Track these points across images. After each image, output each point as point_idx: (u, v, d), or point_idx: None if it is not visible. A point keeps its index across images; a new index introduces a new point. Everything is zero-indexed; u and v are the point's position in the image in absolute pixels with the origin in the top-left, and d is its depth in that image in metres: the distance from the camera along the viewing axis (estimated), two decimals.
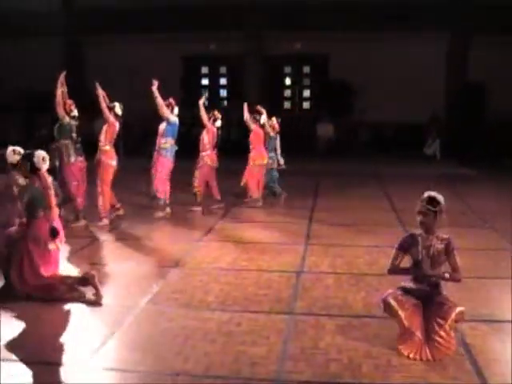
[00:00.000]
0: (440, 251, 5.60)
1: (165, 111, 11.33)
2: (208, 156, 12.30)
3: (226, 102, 27.66)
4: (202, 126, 12.44)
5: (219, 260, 8.71)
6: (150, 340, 5.80)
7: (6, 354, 5.43)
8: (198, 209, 12.29)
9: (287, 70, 27.99)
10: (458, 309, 5.50)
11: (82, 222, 10.72)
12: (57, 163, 10.48)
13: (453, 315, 5.46)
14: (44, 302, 6.72)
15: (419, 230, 5.73)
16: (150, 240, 10.08)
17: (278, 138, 13.81)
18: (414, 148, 22.65)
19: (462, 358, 5.41)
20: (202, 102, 12.44)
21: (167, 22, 24.59)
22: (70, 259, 8.42)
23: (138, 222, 11.19)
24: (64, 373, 5.14)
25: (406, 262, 5.85)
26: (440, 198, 5.64)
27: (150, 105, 11.40)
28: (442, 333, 5.42)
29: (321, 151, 24.31)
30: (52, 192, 6.88)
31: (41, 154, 6.97)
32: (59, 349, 5.66)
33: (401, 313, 5.57)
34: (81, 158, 10.67)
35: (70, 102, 10.63)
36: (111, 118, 10.79)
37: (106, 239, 10.12)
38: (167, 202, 11.73)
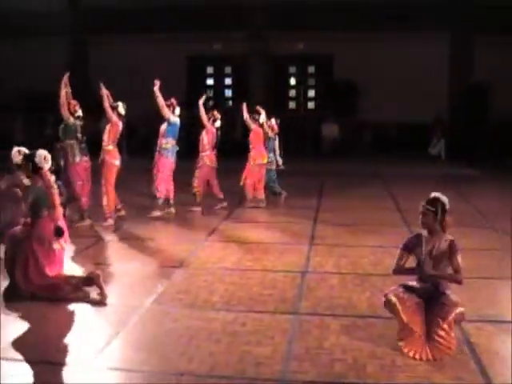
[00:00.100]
0: (443, 252, 5.59)
1: (166, 111, 11.32)
2: (207, 156, 12.30)
3: (230, 102, 27.65)
4: (202, 127, 12.43)
5: (224, 260, 8.71)
6: (154, 340, 5.81)
7: (10, 353, 5.44)
8: (198, 209, 12.29)
9: (292, 70, 27.96)
10: (458, 309, 5.49)
11: (87, 222, 10.73)
12: (61, 163, 10.49)
13: (452, 315, 5.45)
14: (49, 301, 6.72)
15: (424, 231, 5.73)
16: (154, 240, 10.08)
17: (277, 139, 13.78)
18: (418, 148, 22.63)
19: (466, 358, 5.41)
20: (201, 102, 12.39)
21: (171, 22, 24.60)
22: (74, 259, 8.46)
23: (142, 222, 11.20)
24: (68, 373, 5.15)
25: (412, 262, 5.85)
26: (444, 199, 5.63)
27: (153, 105, 11.40)
28: (442, 332, 5.42)
29: (326, 151, 24.30)
30: (55, 191, 6.88)
31: (42, 153, 6.98)
32: (64, 349, 5.66)
33: (400, 309, 5.57)
34: (86, 158, 10.68)
35: (74, 102, 10.63)
36: (114, 117, 10.79)
37: (110, 239, 10.13)
38: (171, 201, 11.74)
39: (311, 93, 28.03)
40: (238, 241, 9.97)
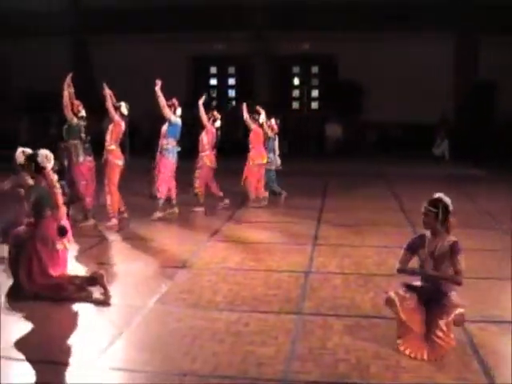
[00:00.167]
0: (445, 253, 5.58)
1: (167, 111, 11.30)
2: (207, 156, 12.30)
3: (234, 103, 27.67)
4: (202, 127, 12.42)
5: (227, 260, 8.70)
6: (158, 340, 5.81)
7: (14, 353, 5.45)
8: (201, 209, 12.30)
9: (295, 70, 28.01)
10: (458, 310, 5.47)
11: (91, 222, 10.74)
12: (65, 163, 10.51)
13: (451, 316, 5.44)
14: (52, 301, 6.73)
15: (428, 232, 5.73)
16: (157, 240, 10.07)
17: (277, 139, 13.77)
18: (422, 148, 22.59)
19: (469, 359, 5.40)
20: (201, 102, 12.36)
21: (173, 22, 24.64)
22: (78, 259, 8.48)
23: (145, 222, 11.19)
24: (72, 373, 5.15)
25: (416, 262, 5.85)
26: (446, 199, 5.62)
27: (155, 105, 11.39)
28: (440, 333, 5.42)
29: (329, 151, 24.29)
30: (58, 191, 6.89)
31: (44, 152, 6.99)
32: (67, 349, 5.67)
33: (399, 307, 5.59)
34: (89, 158, 10.68)
35: (77, 102, 10.64)
36: (117, 117, 10.79)
37: (114, 239, 10.13)
38: (174, 202, 11.75)
39: (315, 93, 28.09)
40: (241, 241, 9.96)
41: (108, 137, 10.82)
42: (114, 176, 10.81)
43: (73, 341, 5.86)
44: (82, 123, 10.60)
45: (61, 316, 6.57)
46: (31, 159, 7.04)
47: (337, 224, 11.24)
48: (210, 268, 8.30)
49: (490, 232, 10.70)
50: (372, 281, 7.71)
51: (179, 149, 11.55)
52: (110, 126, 10.86)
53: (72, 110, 10.50)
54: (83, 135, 10.56)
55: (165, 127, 11.49)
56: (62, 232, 6.89)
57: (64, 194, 7.14)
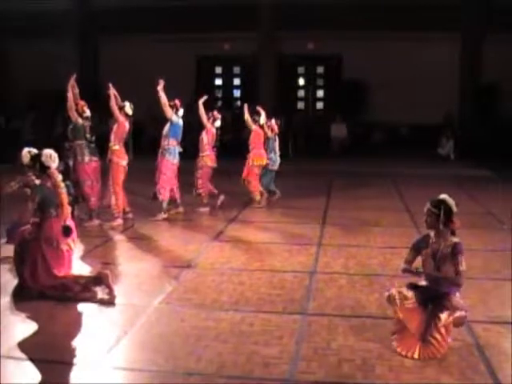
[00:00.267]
0: (447, 254, 5.55)
1: (168, 111, 11.27)
2: (207, 156, 12.28)
3: (239, 102, 27.67)
4: (202, 127, 12.41)
5: (232, 260, 8.70)
6: (162, 340, 5.81)
7: (19, 352, 5.46)
8: (205, 209, 12.30)
9: (301, 70, 27.95)
10: (458, 313, 5.45)
11: (96, 222, 10.74)
12: (70, 163, 10.52)
13: (450, 319, 5.43)
14: (57, 301, 6.73)
15: (432, 232, 5.72)
16: (162, 240, 10.08)
17: (277, 140, 13.73)
18: (427, 148, 22.55)
19: (475, 360, 5.39)
20: (201, 101, 12.32)
21: (180, 23, 24.66)
22: (83, 258, 8.48)
23: (150, 222, 11.19)
24: (77, 372, 5.15)
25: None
26: (449, 200, 5.61)
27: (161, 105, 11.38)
28: (437, 335, 5.42)
29: (335, 151, 24.28)
30: (63, 190, 6.89)
31: (48, 152, 7.00)
32: (72, 348, 5.67)
33: (398, 304, 5.61)
34: (95, 158, 10.67)
35: (82, 103, 10.63)
36: (121, 117, 10.80)
37: (119, 239, 10.14)
38: (178, 201, 11.76)
39: (320, 93, 28.03)
40: (245, 241, 9.96)
41: (112, 137, 10.83)
42: (118, 176, 10.81)
43: (77, 340, 5.86)
44: (87, 123, 10.60)
45: (65, 316, 6.57)
46: (36, 159, 7.05)
47: (342, 224, 11.23)
48: (215, 268, 8.30)
49: (494, 232, 10.67)
50: (377, 281, 7.70)
51: (181, 149, 11.53)
52: (114, 127, 10.87)
53: (77, 110, 10.50)
54: (88, 135, 10.56)
55: (166, 127, 11.47)
56: (67, 232, 6.89)
57: (69, 194, 7.14)
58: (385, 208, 13.02)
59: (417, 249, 5.78)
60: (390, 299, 5.70)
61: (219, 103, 27.19)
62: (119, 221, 10.85)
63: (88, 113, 10.63)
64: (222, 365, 5.26)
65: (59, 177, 6.95)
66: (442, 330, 5.42)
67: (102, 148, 10.93)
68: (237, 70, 28.30)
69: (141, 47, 25.04)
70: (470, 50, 24.50)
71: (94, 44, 27.01)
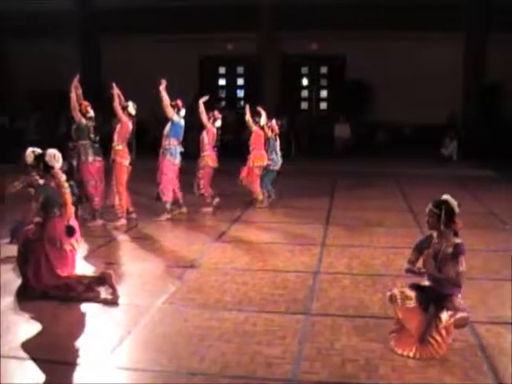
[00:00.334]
0: (448, 254, 5.53)
1: (169, 110, 11.26)
2: (209, 156, 12.27)
3: (242, 103, 27.66)
4: (202, 127, 12.40)
5: (235, 260, 8.71)
6: (166, 340, 5.81)
7: (22, 352, 5.47)
8: (209, 209, 12.29)
9: (304, 70, 27.93)
10: (459, 314, 5.43)
11: (99, 222, 10.76)
12: (74, 163, 10.53)
13: (451, 320, 5.41)
14: (60, 301, 6.74)
15: (434, 232, 5.71)
16: (165, 240, 10.08)
17: (278, 140, 13.70)
18: (431, 148, 22.51)
19: (478, 360, 5.38)
20: (202, 101, 12.28)
21: (184, 23, 24.66)
22: (86, 258, 8.49)
23: (153, 222, 11.20)
24: (80, 372, 5.16)
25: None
26: (451, 201, 5.59)
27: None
28: (437, 336, 5.41)
29: (338, 152, 24.27)
30: (67, 190, 6.89)
31: (52, 152, 7.01)
32: (75, 348, 5.68)
33: (400, 304, 5.62)
34: (99, 158, 10.68)
35: (85, 103, 10.64)
36: (124, 117, 10.81)
37: (122, 239, 10.15)
38: (181, 201, 11.77)
39: (324, 93, 28.03)
40: (249, 241, 9.96)
41: (115, 137, 10.83)
42: (122, 176, 10.82)
43: (81, 340, 5.87)
44: (91, 123, 10.61)
45: (69, 316, 6.58)
46: (40, 159, 7.07)
47: (345, 224, 11.22)
48: (218, 268, 8.31)
49: (496, 232, 10.65)
50: (380, 281, 7.70)
51: (182, 149, 11.52)
52: (118, 127, 10.87)
53: (80, 110, 10.52)
54: (92, 135, 10.57)
55: (167, 127, 11.46)
56: (70, 232, 6.90)
57: (73, 194, 7.15)
58: (388, 208, 13.02)
59: (419, 249, 5.78)
60: (392, 299, 5.70)
61: (223, 103, 27.20)
62: (123, 221, 10.86)
63: (91, 113, 10.63)
64: (226, 365, 5.26)
65: (63, 177, 6.96)
66: (443, 332, 5.42)
67: (105, 148, 10.94)
68: (240, 70, 28.29)
69: (143, 47, 25.06)
70: (473, 50, 24.47)
71: (96, 44, 27.02)
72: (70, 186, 7.09)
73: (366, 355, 5.45)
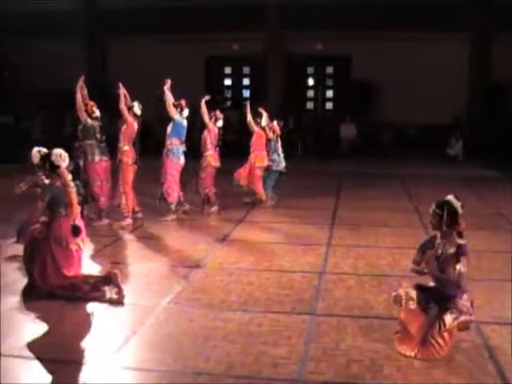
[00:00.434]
0: (450, 255, 5.52)
1: (171, 109, 11.26)
2: (211, 156, 12.24)
3: (248, 102, 27.60)
4: (204, 126, 12.40)
5: (240, 260, 8.71)
6: (171, 340, 5.82)
7: (28, 352, 5.48)
8: (214, 209, 12.30)
9: (310, 70, 27.91)
10: (463, 317, 5.42)
11: (105, 222, 10.78)
12: (81, 163, 10.54)
13: (455, 323, 5.40)
14: (66, 301, 6.76)
15: (438, 233, 5.70)
16: (171, 240, 10.09)
17: (280, 141, 13.66)
18: (436, 148, 22.48)
19: (483, 361, 5.38)
20: (203, 100, 12.24)
21: (190, 23, 24.66)
22: (92, 258, 8.51)
23: (158, 222, 11.21)
24: (86, 372, 5.17)
25: None
26: (454, 202, 5.56)
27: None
28: (439, 339, 5.40)
29: (344, 152, 24.26)
30: (73, 190, 6.90)
31: (58, 151, 7.02)
32: (81, 348, 5.70)
33: (403, 305, 5.62)
34: (105, 158, 10.69)
35: (91, 103, 10.65)
36: (129, 118, 10.82)
37: (128, 239, 10.16)
38: (182, 199, 11.79)
39: (329, 93, 28.00)
40: (254, 241, 9.96)
41: (121, 137, 10.85)
42: (128, 176, 10.84)
43: (86, 340, 5.89)
44: (97, 123, 10.62)
45: (75, 315, 6.59)
46: (46, 159, 7.08)
47: (351, 224, 11.21)
48: (224, 268, 8.31)
49: (502, 233, 10.62)
50: (386, 282, 7.70)
51: (184, 149, 11.52)
52: (123, 127, 10.89)
53: (86, 111, 10.53)
54: (99, 135, 10.58)
55: (169, 127, 11.47)
56: (76, 232, 6.91)
57: (79, 193, 7.16)
58: (394, 208, 13.01)
59: (424, 249, 5.77)
60: (397, 299, 5.70)
61: (228, 103, 27.20)
62: (128, 220, 10.88)
63: (97, 113, 10.64)
64: (231, 365, 5.27)
65: (69, 176, 6.97)
66: (445, 335, 5.40)
67: (111, 148, 10.96)
68: (246, 70, 28.27)
69: (149, 47, 25.08)
70: (478, 49, 24.41)
71: (101, 44, 27.04)
72: (76, 185, 7.10)
73: (371, 355, 5.46)
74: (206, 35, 24.69)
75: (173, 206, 11.46)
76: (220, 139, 12.44)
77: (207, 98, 12.25)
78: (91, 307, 6.72)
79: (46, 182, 7.36)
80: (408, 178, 17.32)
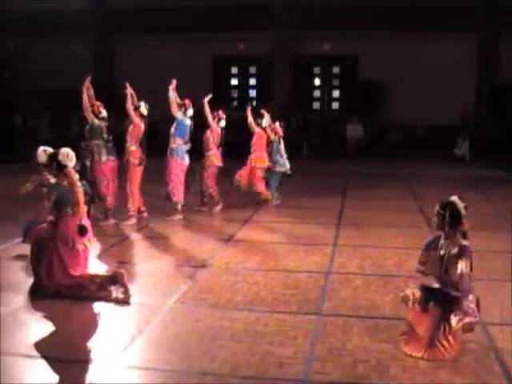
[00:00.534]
0: (453, 256, 5.50)
1: (173, 108, 11.26)
2: (214, 155, 12.25)
3: (255, 102, 27.63)
4: (207, 126, 12.40)
5: (246, 260, 8.71)
6: (177, 339, 5.82)
7: (35, 351, 5.49)
8: (218, 207, 12.32)
9: (316, 70, 27.87)
10: (467, 319, 5.37)
11: (111, 221, 10.79)
12: (87, 163, 10.56)
13: (459, 325, 5.38)
14: (73, 300, 6.77)
15: (442, 234, 5.69)
16: (177, 240, 10.11)
17: (282, 143, 13.62)
18: (443, 149, 22.44)
19: (490, 361, 5.37)
20: (206, 100, 12.22)
21: (196, 23, 24.67)
22: (99, 258, 8.52)
23: (164, 222, 11.22)
24: (92, 371, 5.18)
25: None
26: (457, 203, 5.54)
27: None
28: (444, 342, 5.39)
29: (350, 152, 24.24)
30: (80, 189, 6.91)
31: (65, 151, 7.03)
32: (87, 347, 5.71)
33: (409, 305, 5.64)
34: (112, 158, 10.70)
35: (98, 103, 10.66)
36: (136, 118, 10.83)
37: (134, 238, 10.18)
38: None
39: (336, 93, 27.96)
40: (260, 241, 9.97)
41: (128, 138, 10.88)
42: (135, 176, 10.88)
43: (93, 339, 5.90)
44: (104, 124, 10.63)
45: (81, 315, 6.60)
46: (52, 158, 7.09)
47: (357, 224, 11.21)
48: (230, 268, 8.32)
49: (506, 234, 10.58)
50: (392, 282, 7.69)
51: (188, 148, 11.51)
52: (130, 127, 10.91)
53: (93, 111, 10.54)
54: (105, 135, 10.59)
55: (173, 127, 11.47)
56: (82, 231, 6.92)
57: (86, 193, 7.17)
58: (400, 209, 13.00)
59: (428, 249, 5.77)
60: (404, 300, 5.70)
61: (235, 103, 27.20)
62: (133, 220, 10.91)
63: (104, 113, 10.64)
64: (237, 365, 5.26)
65: (76, 176, 6.98)
66: (450, 338, 5.39)
67: (118, 148, 10.97)
68: (253, 70, 28.24)
69: (156, 47, 25.10)
70: (485, 50, 24.39)
71: (108, 44, 27.11)
72: (83, 185, 7.12)
73: (377, 356, 5.45)
74: (213, 35, 24.72)
75: (179, 206, 11.47)
76: (223, 139, 12.45)
77: (209, 97, 12.26)
78: (97, 307, 6.73)
79: (52, 181, 7.37)
80: (414, 179, 17.30)
